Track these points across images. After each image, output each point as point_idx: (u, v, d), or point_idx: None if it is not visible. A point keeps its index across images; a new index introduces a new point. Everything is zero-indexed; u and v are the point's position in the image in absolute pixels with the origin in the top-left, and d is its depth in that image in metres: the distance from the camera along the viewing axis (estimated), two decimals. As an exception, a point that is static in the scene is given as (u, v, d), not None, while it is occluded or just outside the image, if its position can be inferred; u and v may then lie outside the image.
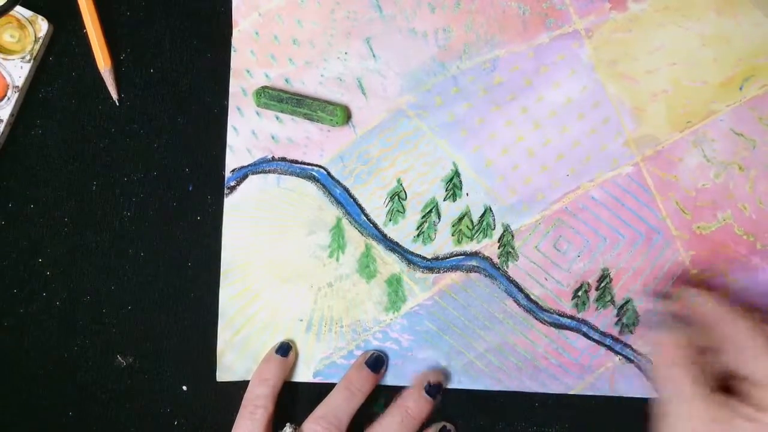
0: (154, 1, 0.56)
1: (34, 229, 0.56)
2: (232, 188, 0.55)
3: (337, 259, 0.56)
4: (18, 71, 0.54)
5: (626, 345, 0.55)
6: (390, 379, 0.56)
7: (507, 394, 0.57)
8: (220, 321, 0.55)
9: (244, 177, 0.55)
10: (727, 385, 0.48)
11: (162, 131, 0.56)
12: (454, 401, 0.57)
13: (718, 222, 0.54)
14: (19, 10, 0.53)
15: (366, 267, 0.56)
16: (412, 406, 0.54)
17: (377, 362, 0.54)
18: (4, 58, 0.53)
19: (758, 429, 0.45)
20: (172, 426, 0.57)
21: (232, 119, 0.55)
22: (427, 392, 0.54)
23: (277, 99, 0.54)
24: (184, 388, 0.56)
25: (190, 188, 0.56)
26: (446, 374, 0.56)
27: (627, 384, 0.56)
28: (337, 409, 0.53)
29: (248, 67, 0.55)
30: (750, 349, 0.47)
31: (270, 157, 0.55)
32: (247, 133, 0.55)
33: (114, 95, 0.55)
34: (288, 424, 0.53)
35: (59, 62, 0.55)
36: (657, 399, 0.49)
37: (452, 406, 0.57)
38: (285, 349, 0.55)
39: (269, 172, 0.55)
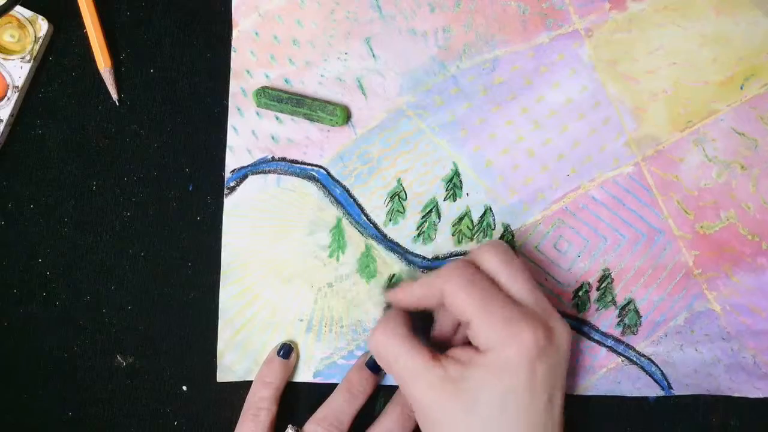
0: (154, 1, 0.56)
1: (34, 229, 0.56)
2: (232, 188, 0.55)
3: (338, 260, 0.55)
4: (18, 71, 0.54)
5: (629, 346, 0.55)
6: (390, 379, 0.56)
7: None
8: (221, 321, 0.55)
9: (244, 177, 0.55)
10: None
11: (162, 131, 0.56)
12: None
13: (721, 222, 0.54)
14: (19, 10, 0.53)
15: (366, 267, 0.55)
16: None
17: (377, 363, 0.54)
18: (4, 58, 0.53)
19: (477, 374, 0.46)
20: (172, 426, 0.56)
21: (232, 119, 0.55)
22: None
23: (277, 99, 0.54)
24: (184, 388, 0.56)
25: (190, 188, 0.56)
26: None
27: (631, 385, 0.55)
28: (338, 410, 0.53)
29: (248, 67, 0.55)
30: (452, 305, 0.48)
31: (270, 157, 0.55)
32: (247, 133, 0.55)
33: (114, 95, 0.55)
34: (290, 426, 0.53)
35: (59, 62, 0.55)
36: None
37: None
38: (287, 350, 0.55)
39: (269, 172, 0.55)
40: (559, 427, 0.48)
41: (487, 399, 0.45)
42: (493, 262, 0.48)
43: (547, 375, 0.46)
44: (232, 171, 0.55)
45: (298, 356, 0.56)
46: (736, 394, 0.55)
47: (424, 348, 0.48)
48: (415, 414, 0.49)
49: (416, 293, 0.50)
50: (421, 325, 0.52)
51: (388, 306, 0.55)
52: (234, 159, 0.55)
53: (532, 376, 0.45)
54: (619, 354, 0.55)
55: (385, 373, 0.55)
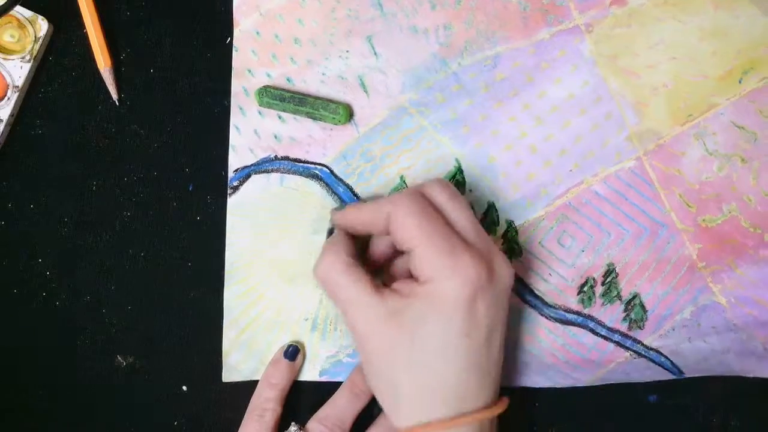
0: (154, 1, 0.56)
1: (34, 229, 0.55)
2: (235, 188, 0.55)
3: (341, 258, 0.55)
4: (18, 71, 0.53)
5: (636, 341, 0.55)
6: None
7: (506, 394, 0.56)
8: (225, 321, 0.55)
9: (247, 177, 0.55)
10: None
11: (162, 131, 0.56)
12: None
13: (723, 215, 0.54)
14: (19, 10, 0.53)
15: (370, 265, 0.55)
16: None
17: None
18: (4, 58, 0.53)
19: (417, 306, 0.46)
20: (172, 426, 0.56)
21: (235, 119, 0.55)
22: None
23: (280, 98, 0.54)
24: (184, 388, 0.56)
25: (190, 188, 0.56)
26: None
27: (640, 374, 0.55)
28: (341, 410, 0.53)
29: (250, 66, 0.55)
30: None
31: (273, 156, 0.55)
32: (250, 132, 0.55)
33: (114, 95, 0.55)
34: (292, 423, 0.53)
35: (59, 62, 0.55)
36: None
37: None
38: (293, 352, 0.55)
39: (272, 171, 0.55)
40: (496, 366, 0.48)
41: (426, 331, 0.45)
42: (442, 196, 0.48)
43: (487, 312, 0.46)
44: (235, 170, 0.55)
45: (304, 357, 0.55)
46: (749, 375, 0.55)
47: (367, 278, 0.47)
48: (357, 345, 0.49)
49: (364, 216, 0.49)
50: (360, 254, 0.51)
51: (332, 230, 0.54)
52: (237, 158, 0.55)
53: (471, 311, 0.45)
54: (627, 349, 0.55)
55: None
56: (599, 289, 0.55)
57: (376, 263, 0.52)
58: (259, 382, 0.54)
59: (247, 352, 0.55)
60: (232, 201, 0.55)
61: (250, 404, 0.54)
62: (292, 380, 0.55)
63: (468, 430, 0.46)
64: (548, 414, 0.57)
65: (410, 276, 0.48)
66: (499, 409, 0.47)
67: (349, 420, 0.53)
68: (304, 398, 0.56)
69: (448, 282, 0.45)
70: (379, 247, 0.52)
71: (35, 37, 0.53)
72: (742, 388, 0.56)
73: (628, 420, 0.57)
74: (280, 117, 0.55)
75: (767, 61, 0.53)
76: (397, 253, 0.51)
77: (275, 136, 0.55)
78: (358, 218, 0.50)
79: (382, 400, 0.49)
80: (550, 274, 0.55)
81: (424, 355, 0.45)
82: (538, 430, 0.57)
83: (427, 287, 0.46)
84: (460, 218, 0.47)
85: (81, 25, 0.54)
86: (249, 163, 0.55)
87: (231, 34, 0.55)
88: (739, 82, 0.53)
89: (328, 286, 0.48)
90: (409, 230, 0.46)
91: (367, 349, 0.47)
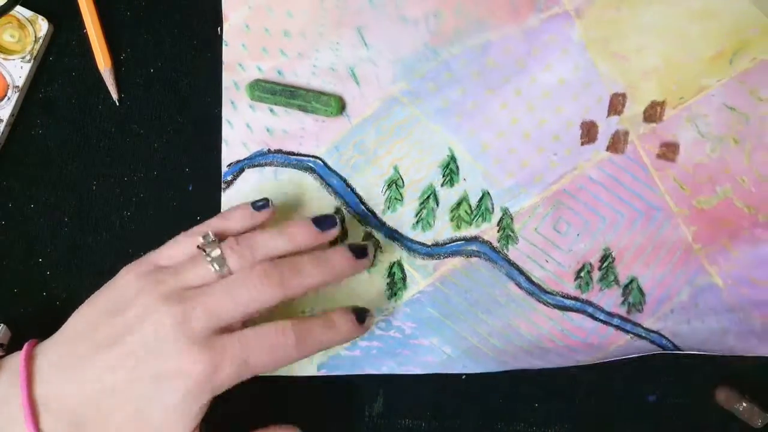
0: (154, 1, 0.56)
1: (34, 229, 0.56)
2: (229, 183, 0.56)
3: (337, 250, 0.55)
4: (18, 71, 0.54)
5: (636, 324, 0.54)
6: (395, 368, 0.55)
7: (506, 394, 0.56)
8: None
9: (241, 171, 0.55)
10: None
11: (162, 131, 0.56)
12: (453, 401, 0.56)
13: (717, 196, 0.53)
14: (19, 10, 0.54)
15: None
16: (330, 251, 0.49)
17: (325, 220, 0.50)
18: (4, 58, 0.54)
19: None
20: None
21: (226, 113, 0.55)
22: (351, 250, 0.50)
23: (271, 91, 0.54)
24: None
25: (190, 188, 0.56)
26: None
27: (642, 352, 0.55)
28: (257, 236, 0.48)
29: (240, 60, 0.55)
30: None
31: (266, 149, 0.55)
32: (242, 126, 0.55)
33: (114, 95, 0.56)
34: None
35: (59, 62, 0.56)
36: None
37: (452, 407, 0.56)
38: (261, 204, 0.50)
39: (265, 165, 0.55)
40: None
41: None
42: None
43: None
44: (229, 165, 0.56)
45: (270, 216, 0.50)
46: (750, 354, 0.55)
47: None
48: None
49: None
50: None
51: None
52: (230, 153, 0.55)
53: None
54: (627, 332, 0.55)
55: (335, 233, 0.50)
56: (596, 274, 0.54)
57: None
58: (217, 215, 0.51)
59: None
60: (226, 196, 0.55)
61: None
62: (247, 229, 0.50)
63: None
64: (548, 414, 0.56)
65: None
66: None
67: (262, 251, 0.47)
68: (303, 394, 0.55)
69: None
70: None
71: (35, 37, 0.54)
72: (742, 388, 0.55)
73: (628, 420, 0.56)
74: (271, 110, 0.55)
75: (757, 41, 0.53)
76: None
77: (267, 130, 0.55)
78: None
79: None
80: (546, 261, 0.54)
81: None
82: (538, 430, 0.56)
83: None
84: None
85: (81, 25, 0.55)
86: (242, 158, 0.55)
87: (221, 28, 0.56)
88: (730, 63, 0.53)
89: None
90: None
91: None
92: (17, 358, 0.47)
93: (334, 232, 0.50)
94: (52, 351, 0.47)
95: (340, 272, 0.49)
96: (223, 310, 0.45)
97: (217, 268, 0.46)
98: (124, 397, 0.44)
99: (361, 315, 0.49)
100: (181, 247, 0.49)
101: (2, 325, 0.52)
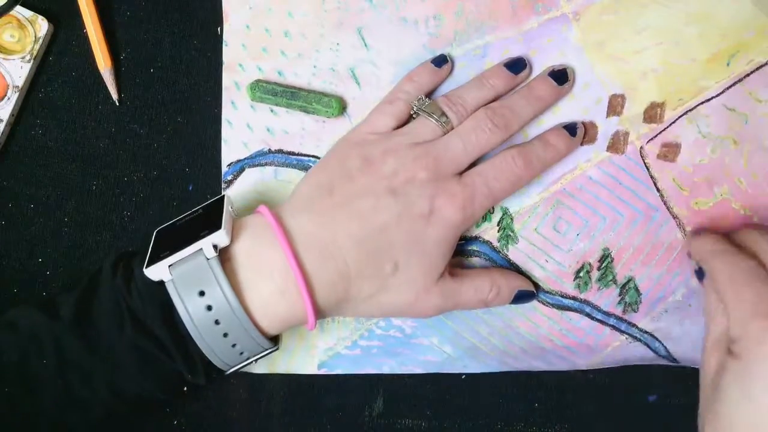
0: (154, 1, 0.56)
1: (34, 229, 0.56)
2: (230, 182, 0.56)
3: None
4: (18, 71, 0.54)
5: (631, 324, 0.55)
6: (395, 367, 0.55)
7: (506, 394, 0.56)
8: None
9: (241, 170, 0.56)
10: None
11: (162, 131, 0.56)
12: (453, 401, 0.56)
13: (715, 197, 0.54)
14: (19, 10, 0.54)
15: (365, 256, 0.55)
16: (535, 84, 0.53)
17: (516, 63, 0.54)
18: (4, 58, 0.54)
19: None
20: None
21: (226, 113, 0.56)
22: (552, 77, 0.54)
23: (272, 92, 0.54)
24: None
25: (190, 188, 0.56)
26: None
27: (637, 360, 0.55)
28: (465, 92, 0.53)
29: (240, 60, 0.55)
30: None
31: (266, 149, 0.56)
32: (242, 126, 0.56)
33: (114, 95, 0.56)
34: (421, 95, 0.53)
35: (59, 62, 0.56)
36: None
37: (452, 406, 0.56)
38: (440, 60, 0.54)
39: (266, 164, 0.56)
40: None
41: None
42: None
43: None
44: (229, 165, 0.56)
45: (450, 70, 0.55)
46: None
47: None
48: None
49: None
50: None
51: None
52: (230, 152, 0.56)
53: None
54: (622, 332, 0.55)
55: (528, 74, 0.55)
56: (595, 274, 0.55)
57: None
58: (402, 77, 0.54)
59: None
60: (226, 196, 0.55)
61: (386, 95, 0.54)
62: (434, 85, 0.54)
63: None
64: (548, 414, 0.57)
65: None
66: None
67: (472, 105, 0.52)
68: (303, 392, 0.56)
69: (761, 347, 0.44)
70: None
71: (35, 37, 0.54)
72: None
73: (628, 420, 0.57)
74: (272, 110, 0.55)
75: (754, 43, 0.53)
76: None
77: (268, 130, 0.55)
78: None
79: None
80: (546, 261, 0.55)
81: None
82: (538, 430, 0.57)
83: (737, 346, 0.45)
84: None
85: (81, 25, 0.55)
86: (242, 157, 0.56)
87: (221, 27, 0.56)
88: (727, 64, 0.53)
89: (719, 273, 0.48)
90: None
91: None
92: (259, 218, 0.49)
93: (527, 72, 0.54)
94: (296, 208, 0.49)
95: (549, 100, 0.53)
96: (461, 155, 0.50)
97: (443, 123, 0.51)
98: (397, 232, 0.49)
99: (572, 129, 0.53)
100: (388, 115, 0.53)
101: (225, 194, 0.51)
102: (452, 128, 0.51)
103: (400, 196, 0.49)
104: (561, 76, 0.53)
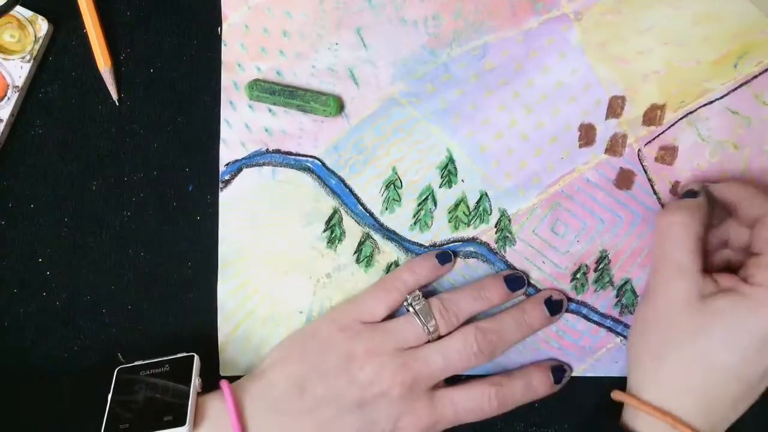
0: (154, 1, 0.56)
1: (34, 229, 0.56)
2: (227, 182, 0.56)
3: (335, 250, 0.55)
4: (18, 71, 0.55)
5: (627, 326, 0.55)
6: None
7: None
8: (220, 316, 0.55)
9: (239, 170, 0.56)
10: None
11: (162, 131, 0.56)
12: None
13: (714, 199, 0.53)
14: (19, 10, 0.54)
15: (364, 256, 0.55)
16: (529, 310, 0.53)
17: (515, 281, 0.54)
18: (4, 58, 0.54)
19: (737, 302, 0.46)
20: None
21: (225, 113, 0.55)
22: (547, 306, 0.54)
23: (270, 91, 0.54)
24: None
25: (190, 188, 0.56)
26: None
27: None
28: (461, 302, 0.53)
29: (239, 60, 0.55)
30: None
31: (264, 149, 0.56)
32: (241, 126, 0.55)
33: (114, 95, 0.56)
34: (417, 291, 0.53)
35: (59, 62, 0.56)
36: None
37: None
38: (445, 258, 0.55)
39: (264, 164, 0.56)
40: (744, 403, 0.49)
41: (730, 330, 0.46)
42: None
43: None
44: (227, 164, 0.56)
45: (454, 265, 0.55)
46: None
47: (702, 256, 0.48)
48: (645, 307, 0.50)
49: (750, 198, 0.49)
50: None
51: (691, 193, 0.51)
52: (228, 152, 0.56)
53: None
54: (617, 334, 0.55)
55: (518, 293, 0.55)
56: (592, 276, 0.54)
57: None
58: (403, 265, 0.55)
59: (242, 346, 0.55)
60: (224, 195, 0.55)
61: (381, 279, 0.55)
62: (432, 279, 0.55)
63: None
64: (548, 414, 0.56)
65: (728, 271, 0.49)
66: None
67: (464, 315, 0.53)
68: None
69: None
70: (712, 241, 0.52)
71: (35, 37, 0.54)
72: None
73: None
74: (270, 110, 0.55)
75: (763, 45, 0.52)
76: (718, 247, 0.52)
77: (266, 129, 0.55)
78: (742, 197, 0.49)
79: (633, 365, 0.50)
80: (543, 262, 0.55)
81: (711, 351, 0.46)
82: (538, 430, 0.56)
83: (758, 291, 0.46)
84: None
85: (81, 25, 0.55)
86: (240, 157, 0.55)
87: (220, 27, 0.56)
88: (735, 66, 0.53)
89: (666, 238, 0.49)
90: None
91: (660, 317, 0.48)
92: (222, 404, 0.50)
93: (522, 291, 0.54)
94: (260, 405, 0.50)
95: (537, 328, 0.54)
96: (438, 373, 0.51)
97: (431, 330, 0.52)
98: None
99: (558, 375, 0.54)
100: (382, 303, 0.53)
101: (194, 355, 0.52)
102: (438, 337, 0.52)
103: (366, 411, 0.50)
104: (555, 307, 0.54)
